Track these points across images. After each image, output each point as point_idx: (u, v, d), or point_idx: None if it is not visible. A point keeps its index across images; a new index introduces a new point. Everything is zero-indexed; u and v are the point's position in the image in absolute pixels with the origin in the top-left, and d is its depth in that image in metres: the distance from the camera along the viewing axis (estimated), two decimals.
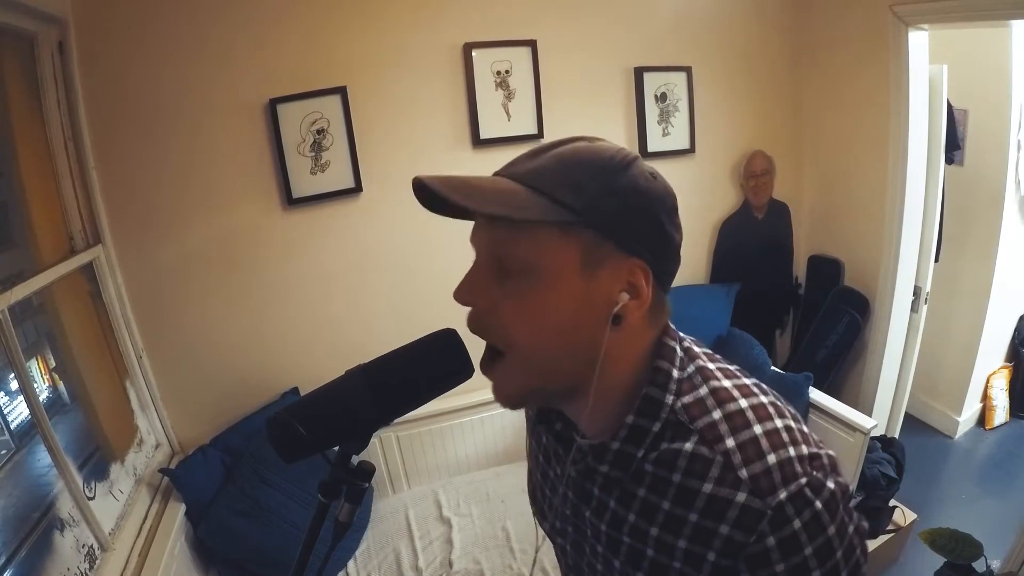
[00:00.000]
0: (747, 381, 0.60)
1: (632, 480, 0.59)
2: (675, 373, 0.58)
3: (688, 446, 0.56)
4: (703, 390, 0.58)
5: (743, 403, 0.57)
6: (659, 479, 0.57)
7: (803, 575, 0.52)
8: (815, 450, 0.55)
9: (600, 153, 0.57)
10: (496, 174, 0.59)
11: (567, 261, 0.55)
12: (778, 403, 0.59)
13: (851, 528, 0.54)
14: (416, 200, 0.57)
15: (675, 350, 0.60)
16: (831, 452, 0.57)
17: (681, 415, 0.57)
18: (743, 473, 0.53)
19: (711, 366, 0.61)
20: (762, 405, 0.57)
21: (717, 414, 0.56)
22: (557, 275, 0.55)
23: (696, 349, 0.63)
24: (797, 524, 0.51)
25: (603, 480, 0.61)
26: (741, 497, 0.52)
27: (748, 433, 0.55)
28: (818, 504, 0.52)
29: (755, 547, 0.52)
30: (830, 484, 0.53)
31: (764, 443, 0.54)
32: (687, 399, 0.58)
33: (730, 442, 0.54)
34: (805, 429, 0.57)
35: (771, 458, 0.53)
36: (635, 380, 0.59)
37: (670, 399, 0.57)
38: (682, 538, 0.56)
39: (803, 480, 0.52)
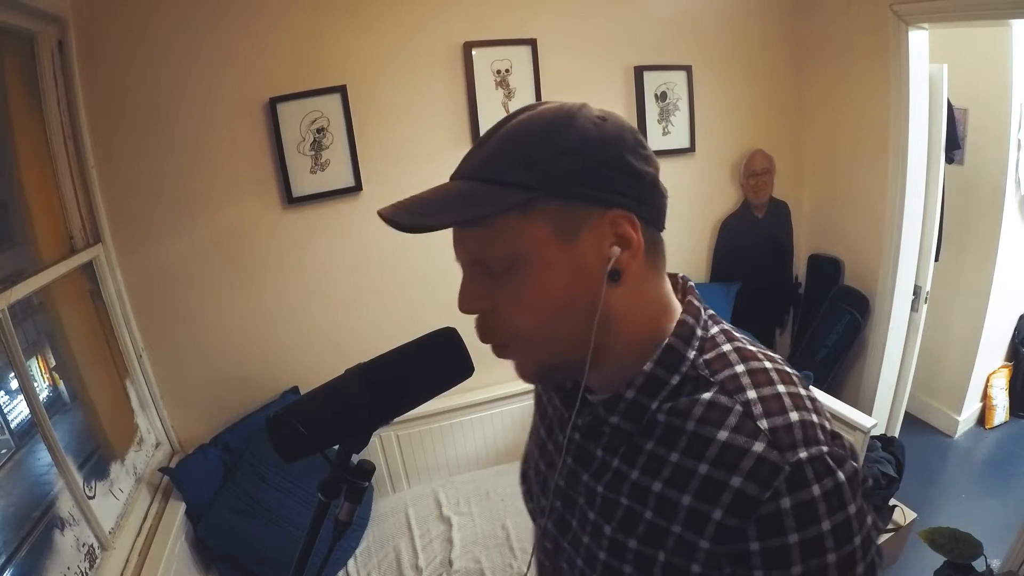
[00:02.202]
0: (772, 354, 0.59)
1: (641, 433, 0.57)
2: (699, 331, 0.57)
3: (706, 395, 0.54)
4: (727, 347, 0.57)
5: (768, 364, 0.56)
6: (671, 429, 0.55)
7: (818, 554, 0.48)
8: (837, 432, 0.53)
9: (542, 116, 0.55)
10: (453, 177, 0.58)
11: (541, 239, 0.53)
12: (804, 381, 0.57)
13: (869, 518, 0.51)
14: None
15: (700, 309, 0.59)
16: (852, 442, 0.54)
17: (702, 369, 0.56)
18: (763, 424, 0.50)
19: (737, 333, 0.60)
20: (787, 372, 0.56)
21: (740, 368, 0.55)
22: (537, 257, 0.54)
23: (721, 319, 0.62)
24: (817, 491, 0.48)
25: (610, 435, 0.59)
26: (759, 447, 0.49)
27: (771, 389, 0.53)
28: (841, 476, 0.49)
29: (768, 506, 0.48)
30: (853, 463, 0.51)
31: (787, 401, 0.52)
32: (709, 355, 0.56)
33: (752, 393, 0.52)
34: (829, 416, 0.56)
35: (794, 415, 0.51)
36: (648, 331, 0.57)
37: (692, 354, 0.56)
38: (687, 493, 0.53)
39: (825, 448, 0.50)
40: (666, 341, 0.56)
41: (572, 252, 0.54)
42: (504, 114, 0.58)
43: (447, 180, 0.59)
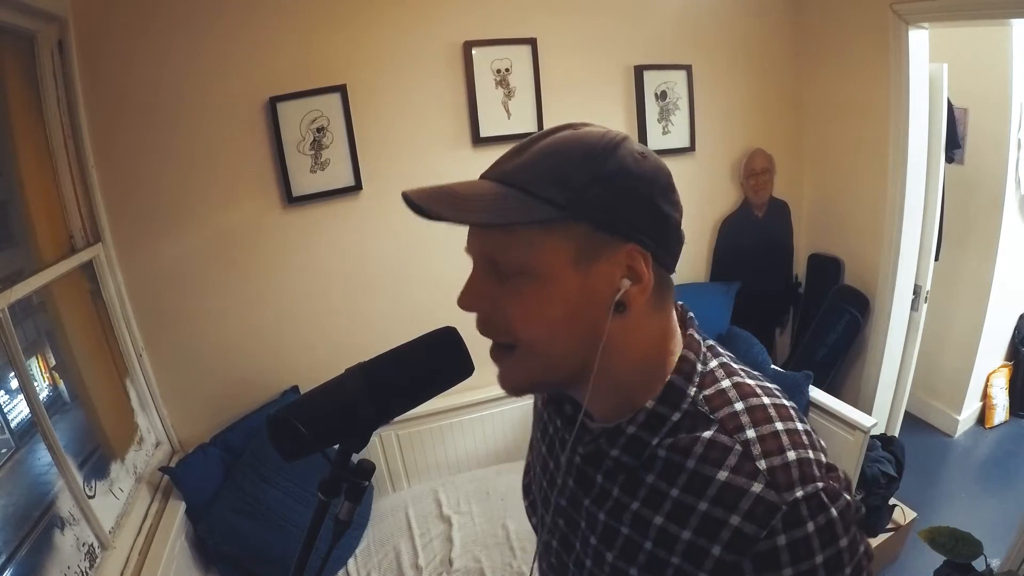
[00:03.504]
0: (770, 385, 0.60)
1: (642, 467, 0.58)
2: (699, 367, 0.59)
3: (707, 434, 0.55)
4: (726, 383, 0.58)
5: (766, 400, 0.57)
6: (672, 465, 0.56)
7: None
8: (832, 463, 0.55)
9: (585, 140, 0.55)
10: (483, 175, 0.59)
11: (559, 258, 0.54)
12: (799, 411, 0.58)
13: (862, 548, 0.53)
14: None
15: (700, 343, 0.60)
16: (845, 471, 0.56)
17: (702, 406, 0.57)
18: (761, 464, 0.52)
19: (735, 366, 0.61)
20: (784, 407, 0.57)
21: (739, 406, 0.56)
22: (551, 273, 0.54)
23: (720, 349, 0.63)
24: (811, 527, 0.50)
25: (611, 465, 0.60)
26: (757, 488, 0.51)
27: (770, 427, 0.54)
28: (834, 512, 0.51)
29: (764, 544, 0.50)
30: (846, 496, 0.53)
31: (785, 439, 0.53)
32: (709, 391, 0.58)
33: (751, 433, 0.54)
34: (823, 443, 0.57)
35: (791, 454, 0.52)
36: (647, 365, 0.58)
37: (692, 391, 0.57)
38: (687, 529, 0.54)
39: (820, 484, 0.51)
40: (668, 378, 0.58)
41: (585, 278, 0.55)
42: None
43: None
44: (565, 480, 0.67)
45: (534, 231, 0.54)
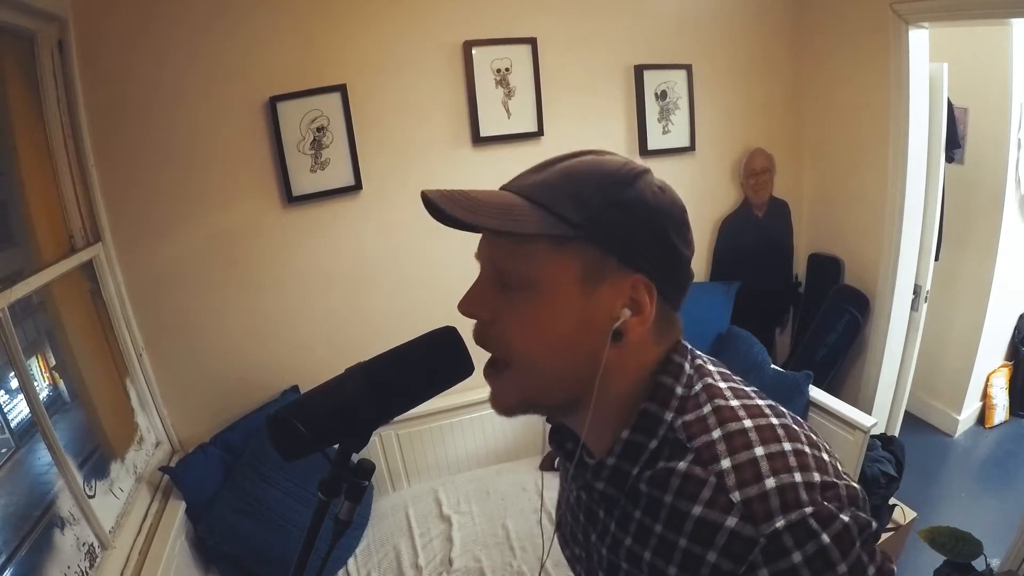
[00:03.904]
0: (759, 402, 0.57)
1: (629, 501, 0.57)
2: (679, 390, 0.56)
3: (682, 465, 0.53)
4: (707, 408, 0.55)
5: (747, 423, 0.53)
6: (653, 500, 0.55)
7: None
8: (831, 479, 0.50)
9: (606, 166, 0.56)
10: (503, 188, 0.59)
11: (565, 276, 0.55)
12: (793, 426, 0.54)
13: (872, 569, 0.49)
14: (417, 199, 0.57)
15: (682, 367, 0.58)
16: (854, 484, 0.52)
17: (680, 433, 0.55)
18: (735, 496, 0.49)
19: (721, 384, 0.58)
20: (770, 426, 0.53)
21: (716, 433, 0.53)
22: (555, 289, 0.55)
23: (710, 368, 0.60)
24: (798, 558, 0.47)
25: (602, 499, 0.60)
26: (731, 522, 0.49)
27: (747, 454, 0.51)
28: (825, 538, 0.47)
29: None
30: (844, 517, 0.48)
31: (764, 466, 0.50)
32: (688, 417, 0.55)
33: (726, 463, 0.51)
34: (825, 457, 0.53)
35: (770, 482, 0.49)
36: (636, 397, 0.58)
37: (670, 416, 0.56)
38: (672, 564, 0.53)
39: (808, 509, 0.48)
40: (642, 406, 0.56)
41: (588, 299, 0.55)
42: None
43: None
44: (576, 515, 0.67)
45: (545, 245, 0.54)
